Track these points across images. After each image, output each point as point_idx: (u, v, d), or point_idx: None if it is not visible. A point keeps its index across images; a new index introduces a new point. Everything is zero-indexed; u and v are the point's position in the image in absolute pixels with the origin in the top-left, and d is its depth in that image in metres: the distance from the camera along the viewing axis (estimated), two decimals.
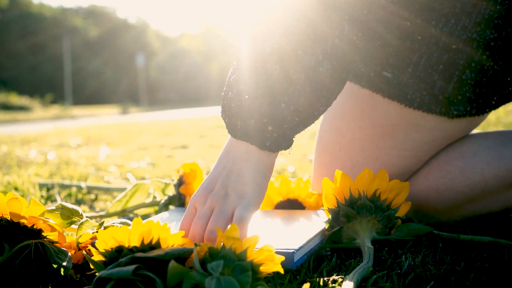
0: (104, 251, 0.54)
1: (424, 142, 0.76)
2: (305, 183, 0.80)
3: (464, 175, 0.74)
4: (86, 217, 0.67)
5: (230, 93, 0.60)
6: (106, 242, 0.54)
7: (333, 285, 0.52)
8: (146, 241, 0.53)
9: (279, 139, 0.59)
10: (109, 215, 0.91)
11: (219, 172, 0.61)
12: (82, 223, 0.65)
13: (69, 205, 0.67)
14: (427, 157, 0.78)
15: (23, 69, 26.36)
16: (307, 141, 2.35)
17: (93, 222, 0.65)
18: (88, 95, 27.35)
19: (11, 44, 26.18)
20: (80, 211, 0.68)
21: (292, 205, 0.80)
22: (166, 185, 0.94)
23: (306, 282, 0.52)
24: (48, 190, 1.16)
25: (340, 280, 0.53)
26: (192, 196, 0.62)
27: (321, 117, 0.86)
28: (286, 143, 0.60)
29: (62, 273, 0.60)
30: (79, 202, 1.09)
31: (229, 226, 0.52)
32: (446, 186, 0.75)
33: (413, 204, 0.77)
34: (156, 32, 35.04)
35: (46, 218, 0.64)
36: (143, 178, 1.37)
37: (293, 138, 0.61)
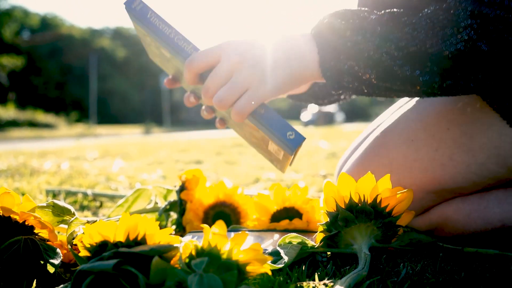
0: (89, 246, 0.52)
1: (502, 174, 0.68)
2: (302, 190, 0.78)
3: (501, 207, 0.69)
4: (77, 216, 0.66)
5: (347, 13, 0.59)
6: (92, 237, 0.52)
7: None
8: (132, 237, 0.52)
9: (338, 67, 0.58)
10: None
11: (262, 49, 0.60)
12: (72, 221, 0.63)
13: (60, 203, 0.66)
14: (485, 186, 0.70)
15: (51, 87, 26.91)
16: (323, 160, 2.32)
17: (84, 220, 0.64)
18: (112, 114, 27.75)
19: (41, 63, 26.80)
20: (72, 210, 0.67)
21: (289, 213, 0.77)
22: (168, 191, 0.93)
23: (296, 286, 0.50)
24: (54, 196, 1.15)
25: (331, 285, 0.50)
26: (225, 42, 0.61)
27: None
28: (337, 77, 0.59)
29: (50, 271, 0.59)
30: (83, 208, 1.08)
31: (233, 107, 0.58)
32: (479, 213, 0.70)
33: (440, 223, 0.73)
34: None
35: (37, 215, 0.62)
36: None
37: (339, 87, 0.60)
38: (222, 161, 2.30)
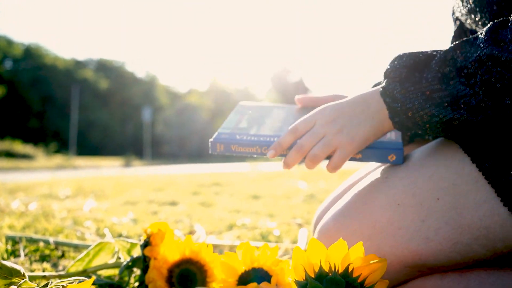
0: None
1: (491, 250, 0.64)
2: (272, 250, 0.74)
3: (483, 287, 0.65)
4: (29, 276, 0.61)
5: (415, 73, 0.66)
6: None
7: None
8: None
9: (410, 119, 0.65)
10: (69, 275, 0.84)
11: (347, 110, 0.71)
12: (21, 285, 0.58)
13: (9, 263, 0.61)
14: (465, 264, 0.67)
15: (31, 117, 26.67)
16: (300, 203, 2.28)
17: (33, 283, 0.59)
18: (93, 146, 27.52)
19: (23, 92, 26.61)
20: (22, 271, 0.62)
21: (257, 274, 0.73)
22: (132, 245, 0.88)
23: None
24: (14, 243, 1.09)
25: None
26: (319, 109, 0.74)
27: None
28: (408, 122, 0.66)
29: None
30: (43, 259, 1.02)
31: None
32: None
33: None
34: (165, 88, 35.61)
35: None
36: (120, 235, 1.30)
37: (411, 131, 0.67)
38: (197, 203, 2.24)
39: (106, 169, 12.77)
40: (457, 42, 0.64)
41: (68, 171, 10.87)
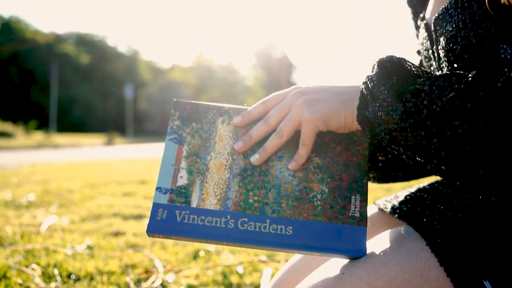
0: None
1: None
2: None
3: None
4: None
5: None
6: None
7: None
8: None
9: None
10: None
11: (324, 88, 0.67)
12: None
13: None
14: None
15: (10, 94, 26.18)
16: None
17: None
18: (74, 122, 27.19)
19: (1, 68, 26.08)
20: None
21: None
22: None
23: None
24: None
25: None
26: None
27: None
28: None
29: None
30: None
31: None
32: None
33: None
34: (148, 63, 35.20)
35: None
36: (68, 275, 1.21)
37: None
38: None
39: (87, 148, 12.60)
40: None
41: (48, 151, 10.70)
